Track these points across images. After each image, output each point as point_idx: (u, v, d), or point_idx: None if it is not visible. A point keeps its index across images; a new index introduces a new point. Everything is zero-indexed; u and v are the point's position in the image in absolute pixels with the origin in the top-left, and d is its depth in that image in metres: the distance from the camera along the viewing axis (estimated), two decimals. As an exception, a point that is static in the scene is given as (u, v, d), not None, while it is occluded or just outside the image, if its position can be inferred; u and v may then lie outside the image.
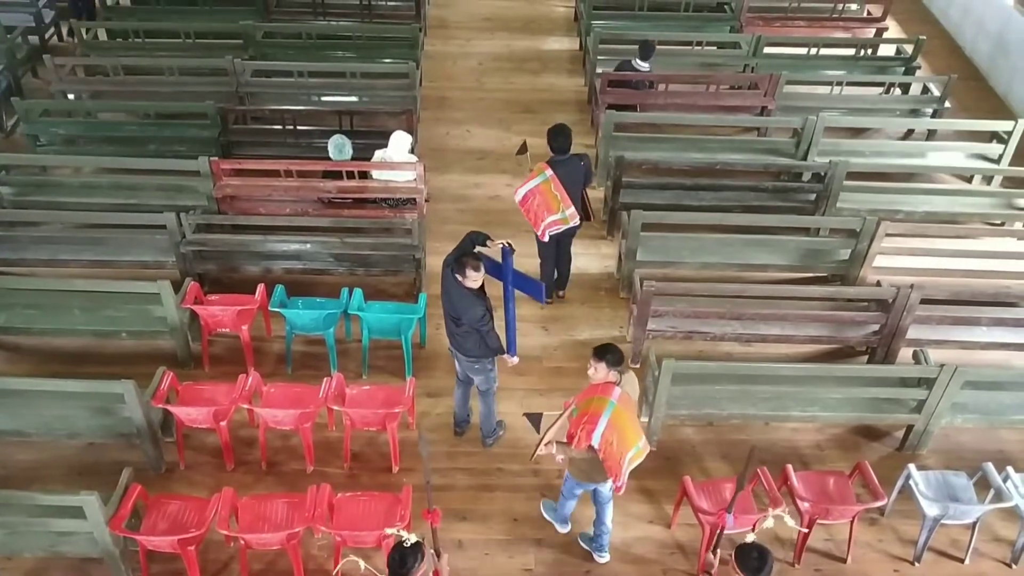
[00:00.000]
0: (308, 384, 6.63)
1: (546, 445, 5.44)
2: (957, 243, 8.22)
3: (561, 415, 5.51)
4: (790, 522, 5.10)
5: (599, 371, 5.36)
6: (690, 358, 6.94)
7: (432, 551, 4.87)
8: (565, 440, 5.41)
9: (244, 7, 11.46)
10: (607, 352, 5.34)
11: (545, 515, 6.32)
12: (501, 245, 6.50)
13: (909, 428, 6.82)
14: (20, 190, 8.56)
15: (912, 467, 6.20)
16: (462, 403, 6.77)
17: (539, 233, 7.31)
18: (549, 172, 7.15)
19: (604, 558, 6.09)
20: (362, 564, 4.69)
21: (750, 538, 4.70)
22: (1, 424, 6.40)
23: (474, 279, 5.98)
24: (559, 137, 7.25)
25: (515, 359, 6.45)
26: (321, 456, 6.64)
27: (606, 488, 5.71)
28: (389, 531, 4.87)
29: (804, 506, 5.89)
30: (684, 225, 8.06)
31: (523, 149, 7.53)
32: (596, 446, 5.25)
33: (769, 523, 5.03)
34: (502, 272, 6.53)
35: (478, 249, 6.35)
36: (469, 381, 6.60)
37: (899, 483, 6.25)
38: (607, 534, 6.00)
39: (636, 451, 5.39)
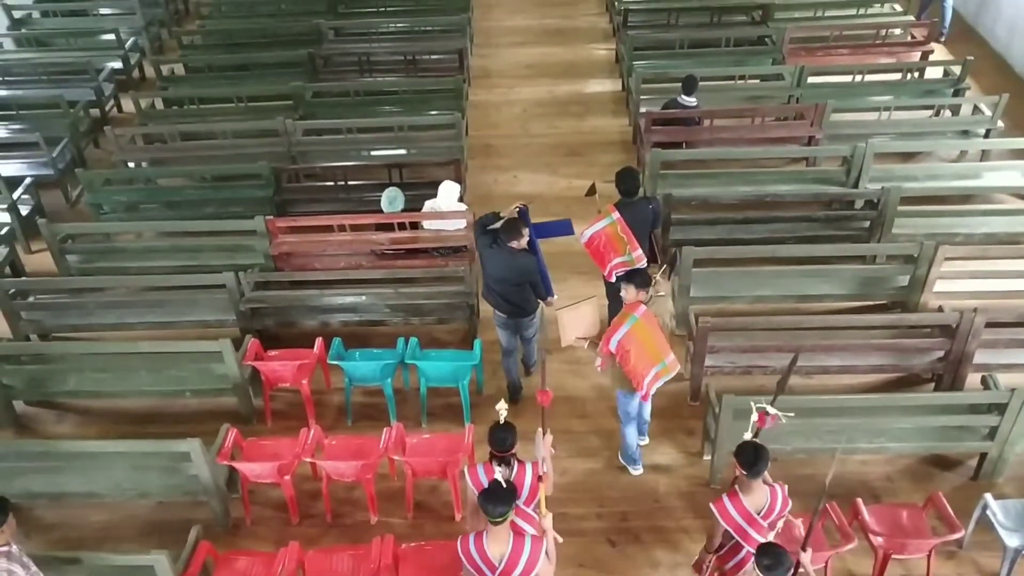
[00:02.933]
0: (368, 435, 6.69)
1: (578, 339, 6.43)
2: (1020, 264, 8.01)
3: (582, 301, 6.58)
4: (772, 411, 5.31)
5: (629, 293, 6.23)
6: (750, 393, 6.82)
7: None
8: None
9: (293, 69, 11.79)
10: (635, 276, 6.25)
11: (621, 460, 6.96)
12: (517, 208, 6.94)
13: (983, 456, 6.63)
14: (86, 257, 8.85)
15: (989, 496, 6.01)
16: (514, 370, 7.38)
17: (606, 273, 7.33)
18: (616, 215, 7.14)
19: (638, 470, 6.91)
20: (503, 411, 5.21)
21: (747, 436, 5.20)
22: (74, 486, 6.56)
23: (525, 234, 6.74)
24: (627, 180, 7.30)
25: (555, 297, 7.13)
26: (384, 507, 6.67)
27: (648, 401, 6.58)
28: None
29: (878, 541, 5.74)
30: (737, 259, 8.00)
31: (592, 191, 7.50)
32: (613, 350, 6.10)
33: (761, 406, 5.32)
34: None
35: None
36: (515, 349, 7.29)
37: (976, 514, 6.06)
38: (647, 424, 6.96)
39: (662, 367, 6.20)
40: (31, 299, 8.17)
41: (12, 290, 8.02)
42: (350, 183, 9.54)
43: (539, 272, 6.89)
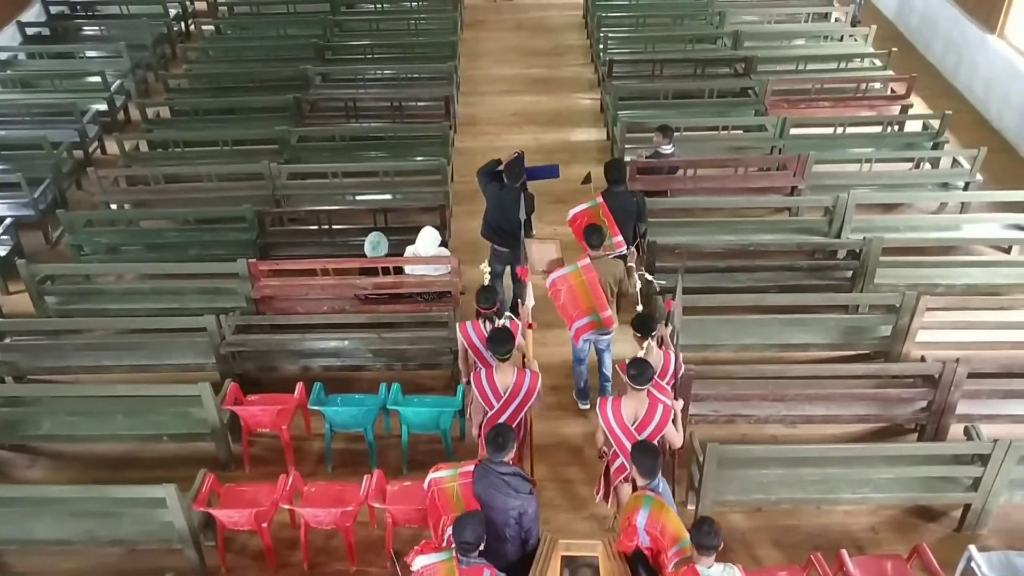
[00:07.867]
0: (349, 482, 6.59)
1: (544, 271, 7.38)
2: (1001, 315, 8.07)
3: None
4: (647, 278, 6.83)
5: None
6: (734, 442, 6.82)
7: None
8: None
9: (279, 114, 11.82)
10: (589, 234, 7.12)
11: (575, 396, 7.83)
12: (515, 153, 8.00)
13: (967, 507, 6.61)
14: (64, 299, 8.75)
15: (973, 548, 5.97)
16: (503, 292, 8.10)
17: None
18: (599, 200, 7.63)
19: (585, 405, 7.78)
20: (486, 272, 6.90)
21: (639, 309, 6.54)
22: (44, 533, 6.41)
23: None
24: (613, 170, 7.91)
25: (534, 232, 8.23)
26: (363, 556, 6.55)
27: (602, 341, 7.33)
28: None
29: (863, 593, 5.67)
30: (721, 307, 8.01)
31: (587, 179, 8.06)
32: (548, 286, 7.08)
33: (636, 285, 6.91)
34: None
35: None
36: (503, 274, 8.22)
37: (960, 566, 6.01)
38: (608, 381, 7.61)
39: (595, 319, 6.99)
40: (7, 340, 8.06)
41: (-12, 331, 7.91)
42: (334, 227, 9.53)
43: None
